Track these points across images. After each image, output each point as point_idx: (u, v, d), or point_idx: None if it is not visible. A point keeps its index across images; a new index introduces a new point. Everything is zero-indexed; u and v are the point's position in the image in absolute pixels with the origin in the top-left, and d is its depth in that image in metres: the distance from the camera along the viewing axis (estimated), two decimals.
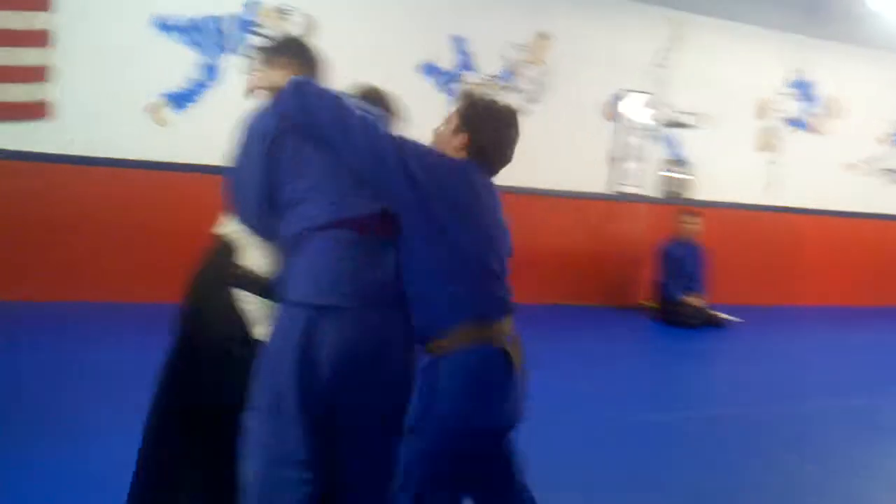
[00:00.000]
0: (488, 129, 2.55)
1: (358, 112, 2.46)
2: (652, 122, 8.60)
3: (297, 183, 2.43)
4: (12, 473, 3.26)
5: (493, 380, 2.37)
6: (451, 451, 2.37)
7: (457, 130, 2.56)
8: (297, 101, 2.46)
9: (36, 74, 6.12)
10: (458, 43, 7.75)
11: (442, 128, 2.64)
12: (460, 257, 2.39)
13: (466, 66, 7.78)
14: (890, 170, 10.18)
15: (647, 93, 8.52)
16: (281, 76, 2.61)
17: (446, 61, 7.70)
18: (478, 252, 2.41)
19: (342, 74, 6.85)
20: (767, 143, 9.39)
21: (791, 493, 3.89)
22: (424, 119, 7.63)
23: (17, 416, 3.82)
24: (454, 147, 2.54)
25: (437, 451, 2.36)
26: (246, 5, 6.87)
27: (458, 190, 2.43)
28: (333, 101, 2.47)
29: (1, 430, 3.58)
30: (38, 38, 6.10)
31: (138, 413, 2.60)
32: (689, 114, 8.78)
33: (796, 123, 9.53)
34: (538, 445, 2.81)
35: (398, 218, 2.41)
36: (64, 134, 6.26)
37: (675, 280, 7.89)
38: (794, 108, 9.51)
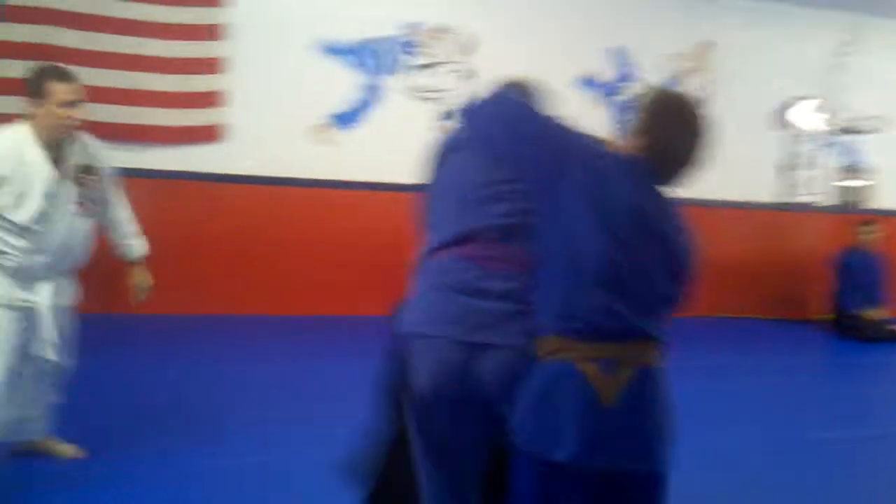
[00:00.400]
0: (661, 126, 2.13)
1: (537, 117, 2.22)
2: (825, 128, 8.20)
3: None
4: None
5: (560, 402, 2.01)
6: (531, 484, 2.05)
7: (632, 128, 2.18)
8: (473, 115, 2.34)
9: (211, 99, 6.52)
10: (619, 54, 7.68)
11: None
12: (577, 263, 2.03)
13: (627, 77, 7.70)
14: None
15: (819, 98, 8.14)
16: None
17: (605, 74, 7.65)
18: (603, 260, 2.01)
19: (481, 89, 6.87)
20: None
21: None
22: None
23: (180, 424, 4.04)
24: (630, 146, 2.17)
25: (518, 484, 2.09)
26: (408, 26, 7.08)
27: (607, 188, 2.06)
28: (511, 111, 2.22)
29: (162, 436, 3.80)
30: (213, 66, 6.50)
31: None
32: (867, 118, 8.33)
33: None
34: (704, 457, 2.72)
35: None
36: (237, 155, 6.64)
37: (851, 292, 7.50)
38: None
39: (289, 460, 3.55)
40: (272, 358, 5.46)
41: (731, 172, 7.81)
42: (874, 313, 7.42)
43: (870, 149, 8.40)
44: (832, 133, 8.26)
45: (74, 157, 3.23)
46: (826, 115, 8.17)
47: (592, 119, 7.53)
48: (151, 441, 3.66)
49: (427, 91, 7.13)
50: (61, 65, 3.34)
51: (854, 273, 7.58)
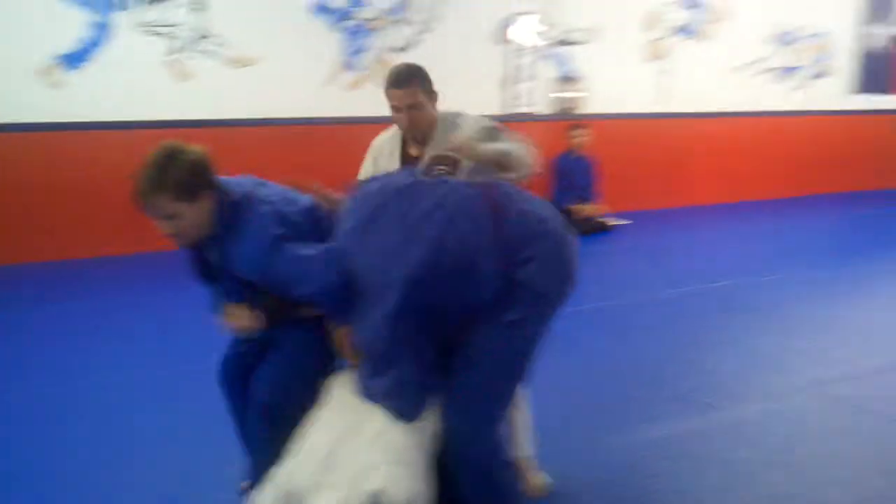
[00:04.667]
0: None
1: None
2: (541, 42, 8.93)
3: None
4: None
5: None
6: None
7: None
8: None
9: None
10: None
11: None
12: None
13: (358, 2, 8.00)
14: (774, 69, 10.69)
15: (536, 14, 8.82)
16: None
17: (338, 0, 7.91)
18: None
19: (222, 21, 7.10)
20: (657, 54, 9.80)
21: (644, 371, 4.50)
22: (321, 59, 7.95)
23: None
24: None
25: None
26: None
27: None
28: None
29: None
30: None
31: None
32: (577, 31, 9.14)
33: (684, 31, 9.93)
34: None
35: None
36: None
37: (566, 191, 8.42)
38: (681, 16, 9.88)
39: None
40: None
41: (458, 88, 8.41)
42: (586, 209, 8.39)
43: (581, 60, 9.23)
44: (548, 46, 8.99)
45: None
46: (542, 30, 8.87)
47: (329, 45, 7.84)
48: None
49: (157, 25, 7.12)
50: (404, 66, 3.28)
51: (567, 174, 8.51)
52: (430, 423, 2.52)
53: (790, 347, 4.91)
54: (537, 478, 3.20)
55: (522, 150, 3.07)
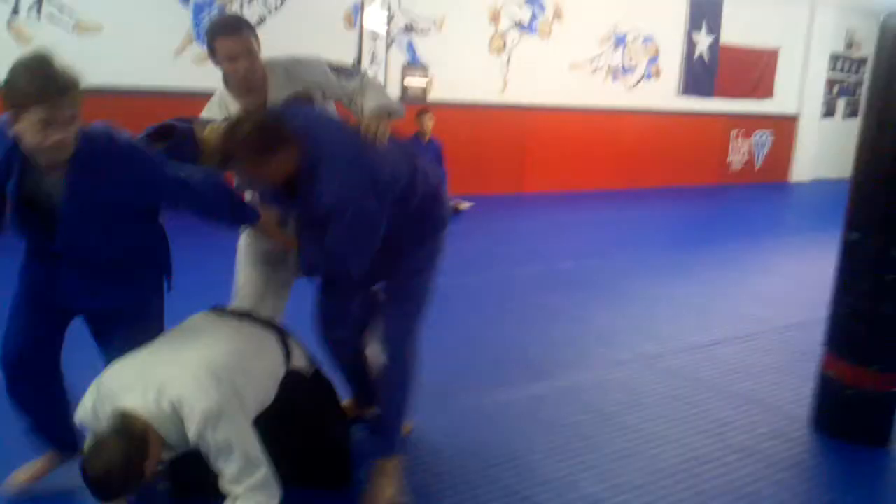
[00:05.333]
0: None
1: None
2: (390, 29, 9.18)
3: None
4: None
5: None
6: None
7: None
8: None
9: None
10: None
11: None
12: None
13: None
14: (609, 68, 11.35)
15: (385, 1, 9.07)
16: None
17: None
18: None
19: None
20: (499, 47, 10.24)
21: (492, 341, 4.81)
22: (171, 30, 7.88)
23: None
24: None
25: None
26: None
27: None
28: None
29: None
30: None
31: None
32: (424, 20, 9.44)
33: (526, 28, 10.42)
34: None
35: None
36: None
37: None
38: (522, 13, 10.36)
39: None
40: None
41: None
42: None
43: (429, 49, 9.54)
44: (396, 33, 9.26)
45: None
46: (389, 16, 9.12)
47: (171, 17, 7.82)
48: None
49: None
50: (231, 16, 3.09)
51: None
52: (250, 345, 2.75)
53: (625, 323, 5.36)
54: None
55: (394, 101, 3.28)
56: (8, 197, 2.49)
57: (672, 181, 12.23)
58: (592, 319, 5.38)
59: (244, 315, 2.93)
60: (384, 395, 3.08)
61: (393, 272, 3.05)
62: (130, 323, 2.74)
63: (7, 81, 2.29)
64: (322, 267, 2.90)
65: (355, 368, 3.39)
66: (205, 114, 3.32)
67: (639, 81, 11.78)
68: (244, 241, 3.33)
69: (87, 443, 2.50)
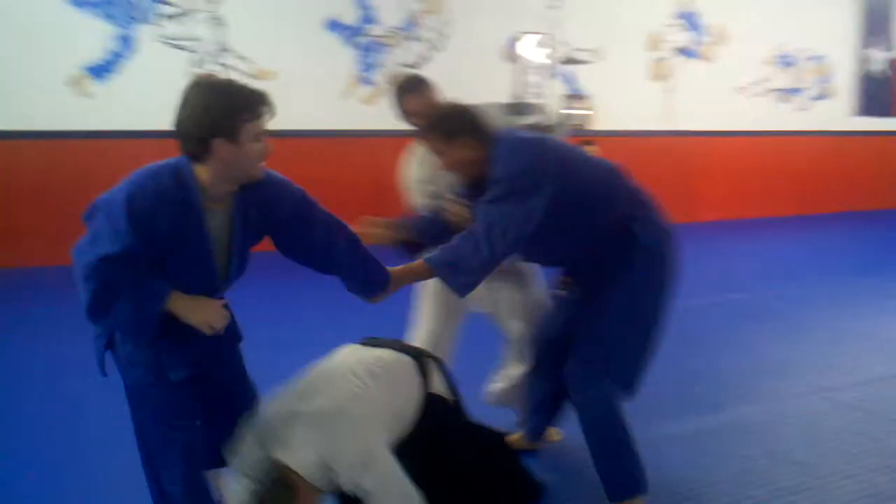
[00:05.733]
0: None
1: None
2: (548, 61, 9.20)
3: None
4: None
5: None
6: None
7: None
8: None
9: None
10: None
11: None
12: None
13: (369, 19, 8.30)
14: (777, 90, 10.96)
15: (542, 33, 9.11)
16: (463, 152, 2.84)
17: (348, 16, 8.21)
18: None
19: (240, 36, 7.39)
20: (660, 73, 10.08)
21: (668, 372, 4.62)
22: (334, 74, 8.21)
23: None
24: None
25: None
26: None
27: None
28: None
29: None
30: None
31: None
32: (583, 50, 9.42)
33: (686, 52, 10.23)
34: None
35: None
36: None
37: None
38: (682, 38, 10.19)
39: None
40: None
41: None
42: None
43: (588, 79, 9.51)
44: (554, 64, 9.27)
45: None
46: (548, 49, 9.15)
47: (339, 60, 8.13)
48: None
49: (179, 39, 7.41)
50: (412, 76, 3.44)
51: None
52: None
53: (800, 355, 5.05)
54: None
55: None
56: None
57: (849, 206, 11.59)
58: (765, 351, 5.11)
59: (386, 343, 2.91)
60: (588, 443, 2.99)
61: (591, 298, 2.97)
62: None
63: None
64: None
65: (542, 390, 3.31)
66: (412, 174, 3.49)
67: (809, 102, 11.31)
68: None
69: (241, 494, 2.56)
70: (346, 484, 2.43)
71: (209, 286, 2.34)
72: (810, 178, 11.21)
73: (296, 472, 2.43)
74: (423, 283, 3.27)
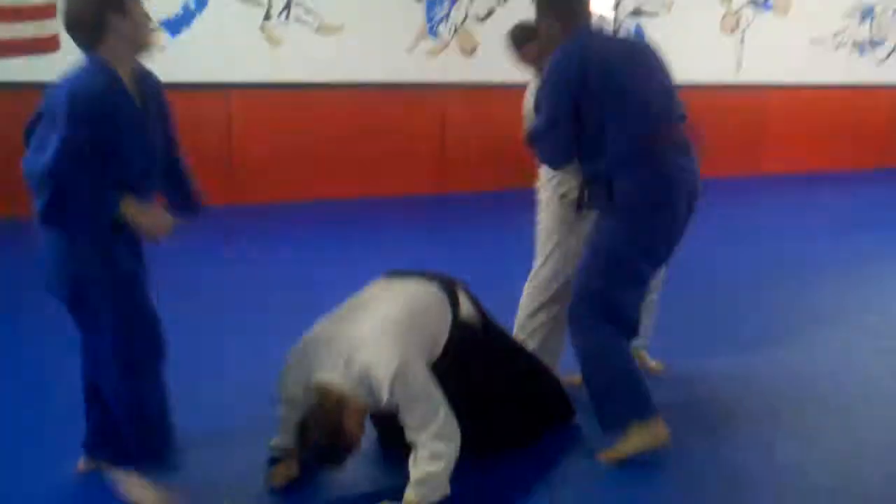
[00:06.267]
0: None
1: None
2: (617, 13, 9.16)
3: None
4: None
5: None
6: None
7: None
8: None
9: (45, 12, 6.85)
10: None
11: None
12: None
13: None
14: (856, 42, 10.68)
15: None
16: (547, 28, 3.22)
17: None
18: None
19: None
20: (733, 25, 9.92)
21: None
22: (404, 28, 8.22)
23: None
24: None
25: None
26: None
27: None
28: None
29: None
30: None
31: None
32: (653, 2, 9.35)
33: (761, 5, 10.03)
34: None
35: None
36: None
37: None
38: None
39: None
40: None
41: None
42: None
43: (659, 32, 9.41)
44: (622, 17, 9.22)
45: None
46: (616, 1, 9.11)
47: (410, 15, 8.25)
48: None
49: None
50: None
51: None
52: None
53: (850, 302, 5.16)
54: (652, 362, 3.88)
55: None
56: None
57: None
58: (813, 299, 5.20)
59: (414, 273, 3.09)
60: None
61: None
62: None
63: None
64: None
65: None
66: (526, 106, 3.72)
67: (889, 55, 10.99)
68: (552, 213, 3.61)
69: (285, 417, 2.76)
70: (384, 397, 2.60)
71: (151, 163, 2.61)
72: (889, 132, 10.92)
73: (340, 390, 2.62)
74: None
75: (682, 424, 3.25)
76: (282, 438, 2.86)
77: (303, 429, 2.64)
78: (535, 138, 3.17)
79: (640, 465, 3.01)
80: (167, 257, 3.17)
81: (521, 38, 3.67)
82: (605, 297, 3.03)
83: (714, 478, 2.99)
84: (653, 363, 3.86)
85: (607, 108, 2.99)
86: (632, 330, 3.13)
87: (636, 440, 3.02)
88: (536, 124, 3.15)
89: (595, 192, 3.10)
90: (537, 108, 3.17)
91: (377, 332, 2.68)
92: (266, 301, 4.86)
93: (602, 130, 2.98)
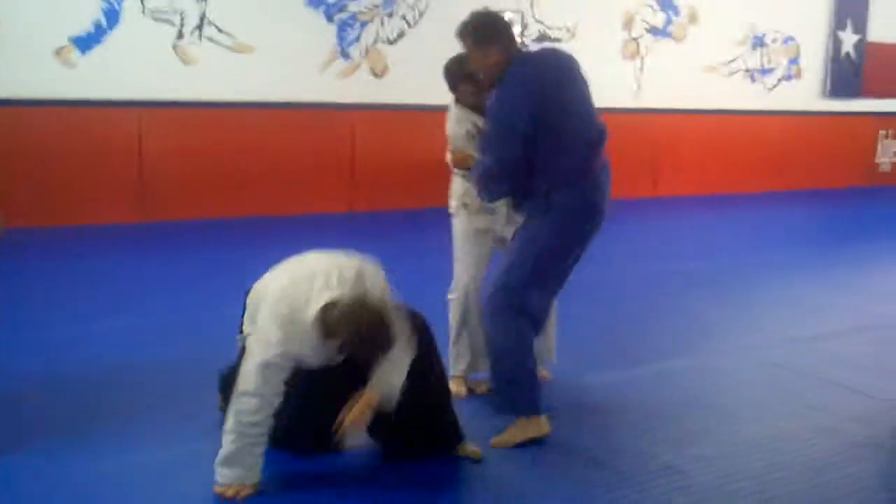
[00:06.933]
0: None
1: None
2: (523, 39, 9.50)
3: None
4: None
5: None
6: None
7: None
8: None
9: None
10: None
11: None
12: None
13: None
14: (748, 69, 11.30)
15: (515, 11, 9.40)
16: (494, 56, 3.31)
17: None
18: None
19: (221, 11, 7.58)
20: (634, 52, 10.40)
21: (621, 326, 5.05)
22: (316, 49, 8.46)
23: None
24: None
25: None
26: None
27: None
28: None
29: None
30: None
31: None
32: (557, 28, 9.74)
33: (660, 32, 10.53)
34: None
35: None
36: None
37: None
38: (657, 18, 10.48)
39: None
40: None
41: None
42: None
43: None
44: (529, 42, 9.56)
45: None
46: (522, 27, 9.45)
47: (321, 37, 8.44)
48: None
49: (163, 13, 7.70)
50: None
51: None
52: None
53: (734, 317, 5.46)
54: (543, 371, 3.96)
55: None
56: None
57: (816, 184, 11.96)
58: (702, 315, 5.50)
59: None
60: None
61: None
62: None
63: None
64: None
65: None
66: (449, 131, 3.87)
67: (778, 83, 11.65)
68: (462, 223, 3.83)
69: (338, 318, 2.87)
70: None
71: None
72: (778, 157, 11.56)
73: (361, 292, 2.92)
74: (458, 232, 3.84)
75: (566, 426, 3.52)
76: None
77: (344, 332, 2.81)
78: (489, 178, 3.33)
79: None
80: None
81: (461, 73, 3.72)
82: (524, 292, 3.28)
83: (591, 474, 3.18)
84: (543, 371, 3.99)
85: (556, 123, 3.26)
86: (539, 326, 3.43)
87: (525, 431, 3.33)
88: (487, 166, 3.30)
89: (532, 204, 3.33)
90: (483, 145, 3.37)
91: (276, 299, 2.96)
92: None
93: (548, 148, 3.23)
